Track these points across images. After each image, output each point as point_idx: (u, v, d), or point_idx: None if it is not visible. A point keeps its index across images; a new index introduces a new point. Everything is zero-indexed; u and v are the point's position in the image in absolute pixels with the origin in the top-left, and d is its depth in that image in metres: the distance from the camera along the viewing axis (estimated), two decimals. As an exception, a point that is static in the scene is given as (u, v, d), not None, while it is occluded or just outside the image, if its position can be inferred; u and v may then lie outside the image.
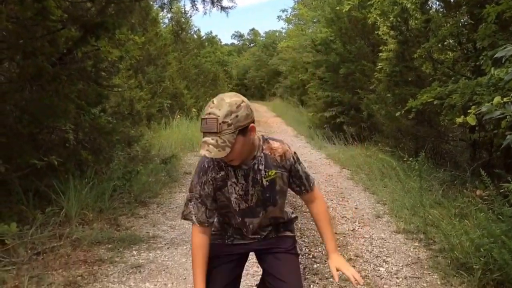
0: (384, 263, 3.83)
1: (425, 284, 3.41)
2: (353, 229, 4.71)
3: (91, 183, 4.87)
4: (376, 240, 4.38)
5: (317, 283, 3.43)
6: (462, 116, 2.78)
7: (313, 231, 4.64)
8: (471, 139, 5.70)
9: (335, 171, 7.87)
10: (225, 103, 1.65)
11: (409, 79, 6.87)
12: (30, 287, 3.15)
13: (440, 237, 4.06)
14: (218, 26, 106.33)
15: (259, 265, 2.10)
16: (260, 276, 2.08)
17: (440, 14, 6.20)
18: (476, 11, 5.04)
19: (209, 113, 1.64)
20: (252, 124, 1.73)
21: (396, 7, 6.56)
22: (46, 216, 4.05)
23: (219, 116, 1.62)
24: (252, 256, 2.16)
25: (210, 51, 41.75)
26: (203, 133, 1.67)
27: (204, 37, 40.79)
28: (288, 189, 1.98)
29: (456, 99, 4.15)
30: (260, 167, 1.84)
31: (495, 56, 2.83)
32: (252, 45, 62.78)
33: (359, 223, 4.91)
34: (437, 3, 6.51)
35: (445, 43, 5.91)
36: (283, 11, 58.03)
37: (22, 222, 3.87)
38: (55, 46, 4.76)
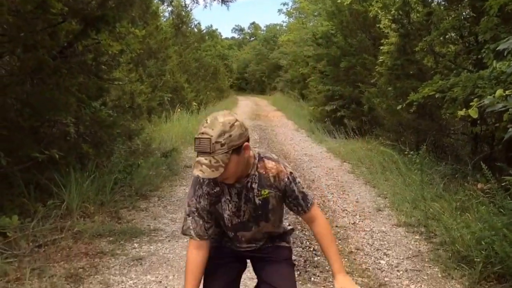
0: (385, 256, 3.84)
1: (425, 277, 3.42)
2: (354, 222, 4.72)
3: (92, 176, 4.89)
4: (377, 233, 4.39)
5: (318, 276, 3.44)
6: (464, 109, 2.77)
7: (314, 224, 4.64)
8: (473, 133, 5.69)
9: (336, 165, 7.88)
10: (218, 123, 1.64)
11: (411, 72, 6.85)
12: (31, 279, 3.16)
13: (441, 230, 4.07)
14: (218, 20, 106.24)
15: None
16: (255, 284, 2.06)
17: (442, 7, 6.17)
18: (478, 4, 5.01)
19: (202, 133, 1.64)
20: (246, 143, 1.72)
21: (397, 0, 6.53)
22: (47, 209, 4.06)
23: (212, 136, 1.62)
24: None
25: (211, 45, 41.64)
26: (196, 152, 1.67)
27: (204, 31, 40.71)
28: None
29: (457, 93, 4.13)
30: (254, 185, 1.83)
31: (498, 48, 2.82)
32: (252, 39, 62.66)
33: (359, 216, 4.92)
34: (439, -4, 6.49)
35: (447, 36, 5.89)
36: (284, 4, 57.71)
37: (24, 215, 3.88)
38: (55, 39, 4.75)
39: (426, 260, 3.73)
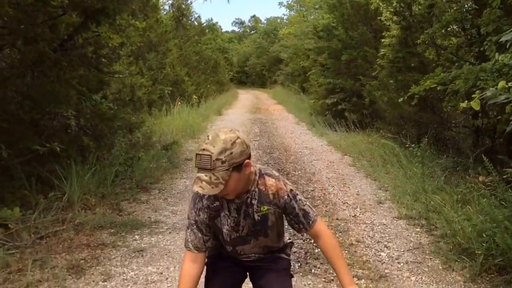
0: (385, 248, 3.85)
1: (426, 269, 3.42)
2: (354, 215, 4.72)
3: (93, 169, 4.89)
4: (378, 226, 4.39)
5: (318, 267, 3.45)
6: (466, 101, 2.76)
7: (315, 217, 4.65)
8: (474, 126, 5.68)
9: (337, 158, 7.88)
10: (219, 140, 1.65)
11: (412, 65, 6.82)
12: (33, 270, 3.18)
13: (442, 223, 4.07)
14: (218, 13, 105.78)
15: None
16: None
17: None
18: (481, -4, 4.99)
19: (203, 149, 1.65)
20: (247, 161, 1.72)
21: (399, -8, 6.50)
22: (48, 201, 4.07)
23: (213, 153, 1.63)
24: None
25: (211, 38, 41.51)
26: (197, 168, 1.68)
27: (204, 24, 40.57)
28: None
29: (459, 85, 4.12)
30: (253, 201, 1.84)
31: (500, 40, 2.80)
32: (253, 32, 62.50)
33: (360, 209, 4.92)
34: (441, -12, 6.43)
35: (449, 28, 5.86)
36: (285, -3, 57.48)
37: (25, 207, 3.90)
38: (55, 32, 4.74)
39: (427, 252, 3.73)
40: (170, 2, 19.33)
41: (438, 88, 4.61)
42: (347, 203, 5.17)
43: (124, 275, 3.27)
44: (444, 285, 3.15)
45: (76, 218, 4.08)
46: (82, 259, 3.44)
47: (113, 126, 5.90)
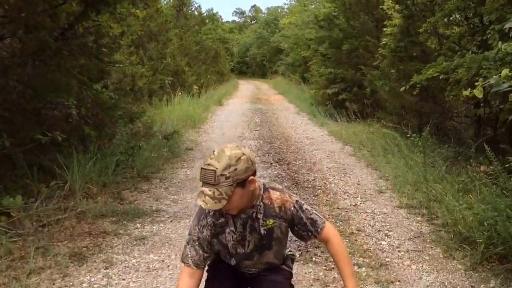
0: (386, 237, 3.86)
1: (427, 257, 3.43)
2: (355, 204, 4.73)
3: (94, 158, 4.90)
4: (378, 215, 4.40)
5: (319, 256, 3.45)
6: (469, 89, 2.75)
7: (315, 206, 4.66)
8: (476, 115, 5.66)
9: (337, 148, 7.87)
10: (224, 156, 1.67)
11: (414, 54, 6.78)
12: (36, 257, 3.19)
13: (443, 212, 4.08)
14: (219, 3, 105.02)
15: None
16: None
17: (447, -12, 6.08)
18: (484, -16, 4.94)
19: (208, 164, 1.66)
20: (251, 177, 1.74)
21: (401, -20, 6.45)
22: (50, 189, 4.07)
23: (217, 168, 1.64)
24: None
25: (211, 28, 41.38)
26: (201, 182, 1.69)
27: (205, 14, 40.35)
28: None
29: (462, 74, 4.10)
30: (259, 216, 1.85)
31: (504, 27, 2.78)
32: (253, 22, 62.21)
33: (361, 198, 4.93)
34: (444, -24, 6.38)
35: (451, 17, 5.81)
36: (286, -13, 57.09)
37: (27, 196, 3.90)
38: (56, 21, 4.71)
39: (428, 241, 3.74)
40: (170, -9, 19.22)
41: (440, 77, 4.59)
42: (347, 192, 5.18)
43: (126, 262, 3.28)
44: (445, 274, 3.16)
45: (77, 207, 4.09)
46: (84, 247, 3.46)
47: (114, 115, 5.90)
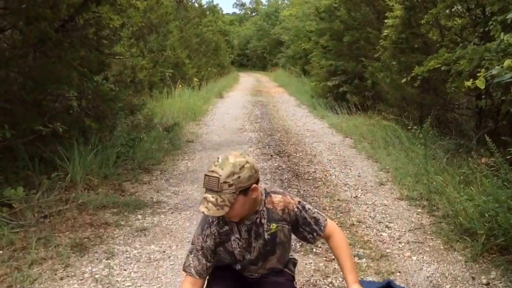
0: (387, 229, 3.87)
1: (427, 249, 3.44)
2: (356, 196, 4.74)
3: (95, 150, 4.91)
4: (379, 207, 4.41)
5: (320, 247, 3.46)
6: (471, 80, 2.74)
7: (315, 198, 4.67)
8: (478, 107, 5.64)
9: (338, 140, 7.87)
10: (228, 163, 1.69)
11: (416, 46, 6.74)
12: (37, 248, 3.21)
13: (444, 204, 4.08)
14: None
15: None
16: None
17: (449, -21, 6.04)
18: (486, -25, 4.90)
19: (212, 171, 1.69)
20: (254, 185, 1.76)
21: (403, -29, 6.40)
22: (52, 181, 4.08)
23: (221, 176, 1.67)
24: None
25: (212, 20, 41.12)
26: (205, 188, 1.71)
27: (205, 6, 40.12)
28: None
29: (463, 65, 4.08)
30: (263, 221, 1.88)
31: (507, 18, 2.76)
32: (254, 14, 61.93)
33: (361, 190, 4.93)
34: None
35: (453, 9, 5.77)
36: (286, -22, 56.72)
37: (29, 187, 3.92)
38: (56, 12, 4.69)
39: (428, 232, 3.75)
40: (170, -18, 19.07)
41: (442, 69, 4.57)
42: (348, 184, 5.18)
43: (127, 253, 3.30)
44: (445, 265, 3.17)
45: (79, 198, 4.10)
46: (85, 238, 3.47)
47: (114, 107, 5.89)
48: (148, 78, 10.15)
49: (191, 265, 1.87)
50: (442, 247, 3.46)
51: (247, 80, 27.33)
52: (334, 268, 3.10)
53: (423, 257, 3.31)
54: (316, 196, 4.72)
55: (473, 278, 2.98)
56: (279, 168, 5.86)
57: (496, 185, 3.48)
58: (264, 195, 1.90)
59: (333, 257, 3.25)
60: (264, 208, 1.88)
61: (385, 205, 4.46)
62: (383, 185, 5.11)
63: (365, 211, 4.30)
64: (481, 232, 3.27)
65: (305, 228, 1.95)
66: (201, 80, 15.87)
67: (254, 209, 1.85)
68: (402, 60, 6.77)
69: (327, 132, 8.73)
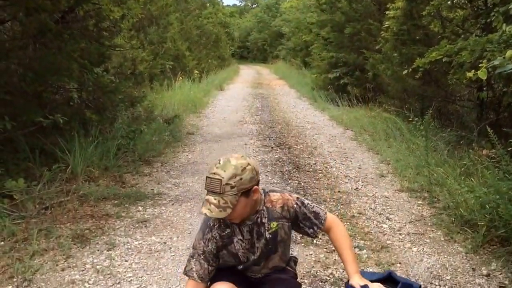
0: (387, 220, 3.87)
1: (428, 240, 3.45)
2: (356, 188, 4.74)
3: (96, 142, 4.91)
4: (379, 198, 4.41)
5: (320, 238, 3.46)
6: (473, 71, 2.73)
7: (316, 189, 4.67)
8: (479, 98, 5.63)
9: (338, 132, 7.86)
10: (230, 165, 1.71)
11: (417, 37, 6.71)
12: (39, 239, 3.22)
13: (445, 195, 4.08)
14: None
15: None
16: None
17: (451, -30, 6.00)
18: (489, -35, 4.87)
19: (214, 173, 1.70)
20: (255, 187, 1.77)
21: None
22: (52, 173, 4.09)
23: (223, 177, 1.68)
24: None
25: (212, 12, 40.94)
26: (206, 190, 1.72)
27: (205, -2, 39.92)
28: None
29: (465, 56, 4.06)
30: (264, 220, 1.89)
31: (509, 8, 2.74)
32: (254, 6, 61.60)
33: (362, 182, 4.93)
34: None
35: (455, 0, 5.74)
36: (287, -30, 56.34)
37: (29, 179, 3.92)
38: (56, 4, 4.67)
39: (429, 224, 3.75)
40: (170, -26, 18.95)
41: (444, 60, 4.55)
42: (349, 176, 5.18)
43: (128, 244, 3.31)
44: (446, 256, 3.18)
45: (80, 190, 4.11)
46: (86, 229, 3.48)
47: (115, 99, 5.89)
48: (149, 70, 10.14)
49: (193, 269, 1.88)
50: (442, 239, 3.47)
51: (247, 72, 27.27)
52: (335, 259, 3.11)
53: (423, 249, 3.31)
54: (317, 188, 4.72)
55: (474, 269, 2.98)
56: (280, 160, 5.86)
57: (497, 176, 3.48)
58: (263, 195, 1.92)
59: (333, 248, 3.25)
60: (264, 208, 1.90)
61: (386, 196, 4.46)
62: (383, 177, 5.11)
63: (366, 202, 4.30)
64: (482, 223, 3.27)
65: (306, 223, 1.96)
66: (201, 73, 15.83)
67: (254, 210, 1.87)
68: (404, 52, 6.75)
69: (327, 124, 8.72)
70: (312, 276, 2.91)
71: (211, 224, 1.89)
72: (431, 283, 2.82)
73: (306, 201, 1.98)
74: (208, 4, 39.70)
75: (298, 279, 2.11)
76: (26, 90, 4.46)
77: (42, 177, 3.95)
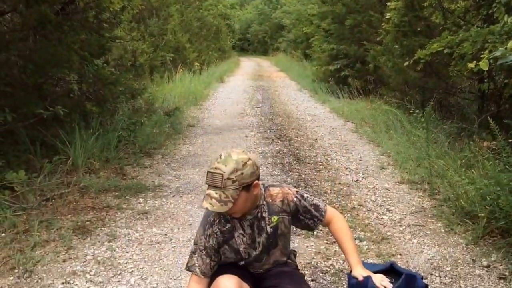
0: (388, 212, 3.88)
1: (428, 232, 3.45)
2: (357, 180, 4.74)
3: (97, 134, 4.92)
4: (380, 190, 4.41)
5: (321, 230, 3.46)
6: (474, 62, 2.71)
7: (317, 181, 4.67)
8: (480, 90, 5.61)
9: (339, 124, 7.85)
10: (231, 160, 1.73)
11: (418, 29, 6.67)
12: (40, 230, 3.23)
13: (445, 187, 4.08)
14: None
15: None
16: None
17: (452, -39, 5.96)
18: (491, -44, 4.82)
19: (215, 168, 1.73)
20: (256, 181, 1.80)
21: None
22: (53, 165, 4.09)
23: (224, 172, 1.71)
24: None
25: (212, 4, 40.72)
26: (207, 185, 1.73)
27: (206, -11, 39.67)
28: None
29: (467, 48, 4.04)
30: (264, 214, 1.91)
31: (511, -1, 2.73)
32: (255, -3, 61.19)
33: (362, 174, 4.93)
34: None
35: (457, -9, 5.72)
36: (288, -39, 55.94)
37: (30, 170, 3.93)
38: (56, -5, 4.65)
39: (429, 216, 3.76)
40: (170, -35, 18.83)
41: (445, 52, 4.53)
42: (349, 168, 5.18)
43: (129, 236, 3.32)
44: (446, 247, 3.19)
45: (80, 182, 4.11)
46: (87, 221, 3.49)
47: (115, 91, 5.88)
48: (149, 62, 10.12)
49: (196, 264, 1.90)
50: (443, 230, 3.47)
51: (248, 64, 27.19)
52: (335, 250, 3.12)
53: (423, 240, 3.32)
54: (318, 180, 4.72)
55: (474, 261, 2.99)
56: (280, 152, 5.86)
57: (497, 168, 3.48)
58: (263, 189, 1.93)
59: (334, 240, 3.27)
60: (264, 202, 1.91)
61: (386, 188, 4.46)
62: (384, 169, 5.11)
63: (366, 194, 4.31)
64: (482, 215, 3.27)
65: (306, 215, 1.98)
66: (202, 65, 15.78)
67: (255, 205, 1.88)
68: (405, 44, 6.72)
69: (328, 117, 8.70)
70: (312, 267, 2.92)
71: (212, 220, 1.90)
72: (431, 274, 2.83)
73: (305, 194, 2.00)
74: (208, -4, 39.49)
75: (299, 270, 2.12)
76: (27, 82, 4.46)
77: (42, 169, 3.96)
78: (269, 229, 1.91)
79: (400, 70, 6.80)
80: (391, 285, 1.82)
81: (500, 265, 2.92)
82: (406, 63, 5.67)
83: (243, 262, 1.97)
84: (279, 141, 6.51)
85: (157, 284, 2.69)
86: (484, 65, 2.62)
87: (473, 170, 3.98)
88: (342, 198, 4.19)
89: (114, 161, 4.83)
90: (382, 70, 8.26)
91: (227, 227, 1.90)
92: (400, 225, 3.60)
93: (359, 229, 3.50)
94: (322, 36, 13.28)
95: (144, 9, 9.22)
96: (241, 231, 1.90)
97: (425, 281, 2.02)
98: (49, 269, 2.81)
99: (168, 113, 7.34)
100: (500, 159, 3.61)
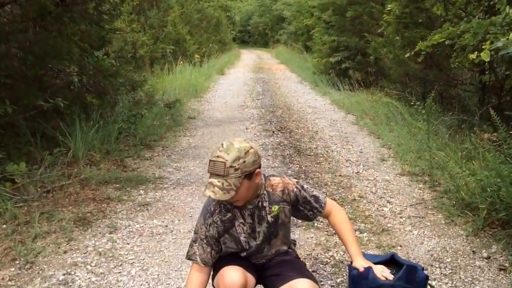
0: (388, 204, 3.88)
1: (428, 223, 3.46)
2: (357, 172, 4.74)
3: (97, 126, 4.92)
4: (380, 182, 4.42)
5: (321, 221, 3.47)
6: (476, 53, 2.70)
7: (317, 173, 4.68)
8: (481, 82, 5.59)
9: (340, 117, 7.84)
10: (234, 148, 1.73)
11: (420, 21, 6.64)
12: (41, 222, 3.23)
13: (446, 179, 4.09)
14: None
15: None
16: None
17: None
18: None
19: (218, 156, 1.73)
20: (258, 170, 1.81)
21: None
22: (54, 157, 4.09)
23: (227, 160, 1.71)
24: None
25: (213, -4, 40.53)
26: (209, 173, 1.74)
27: (206, -19, 39.45)
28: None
29: (468, 39, 4.02)
30: (264, 204, 1.91)
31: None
32: (255, -11, 60.87)
33: (363, 166, 4.93)
34: None
35: (458, -17, 5.67)
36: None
37: (31, 162, 3.93)
38: (56, -14, 4.63)
39: (430, 207, 3.76)
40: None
41: (446, 43, 4.51)
42: (350, 160, 5.18)
43: (129, 227, 3.32)
44: (446, 239, 3.19)
45: (81, 173, 4.12)
46: (88, 212, 3.50)
47: (115, 83, 5.88)
48: (149, 54, 10.09)
49: (196, 253, 1.90)
50: (443, 222, 3.48)
51: (248, 57, 27.10)
52: (335, 242, 3.12)
53: (424, 232, 3.32)
54: (318, 172, 4.73)
55: (474, 252, 3.00)
56: (281, 144, 5.86)
57: (498, 160, 3.47)
58: (263, 179, 1.94)
59: (334, 231, 3.27)
60: (265, 192, 1.92)
61: (387, 180, 4.47)
62: (385, 161, 5.11)
63: (367, 186, 4.31)
64: (483, 206, 3.28)
65: (306, 206, 1.99)
66: (202, 57, 15.73)
67: (256, 194, 1.89)
68: (406, 35, 6.69)
69: (329, 109, 8.69)
70: (313, 259, 2.93)
71: (212, 209, 1.91)
72: (432, 266, 2.84)
73: (305, 185, 2.01)
74: (208, -12, 39.27)
75: (300, 259, 2.13)
76: (27, 74, 4.45)
77: (43, 161, 3.96)
78: (269, 219, 1.92)
79: (401, 62, 6.77)
80: (392, 276, 1.83)
81: (500, 257, 2.92)
82: (407, 55, 5.64)
83: (245, 254, 1.97)
84: (279, 133, 6.51)
85: (158, 275, 2.70)
86: (485, 56, 2.61)
87: (473, 162, 3.98)
88: (342, 190, 4.20)
89: (114, 153, 4.83)
90: (383, 62, 8.23)
91: (227, 217, 1.90)
92: (401, 217, 3.60)
93: (360, 220, 3.51)
94: (323, 28, 13.22)
95: (144, 1, 9.16)
96: (242, 220, 1.91)
97: (425, 272, 2.02)
98: (50, 260, 2.82)
99: (169, 105, 7.33)
100: (501, 150, 3.60)
